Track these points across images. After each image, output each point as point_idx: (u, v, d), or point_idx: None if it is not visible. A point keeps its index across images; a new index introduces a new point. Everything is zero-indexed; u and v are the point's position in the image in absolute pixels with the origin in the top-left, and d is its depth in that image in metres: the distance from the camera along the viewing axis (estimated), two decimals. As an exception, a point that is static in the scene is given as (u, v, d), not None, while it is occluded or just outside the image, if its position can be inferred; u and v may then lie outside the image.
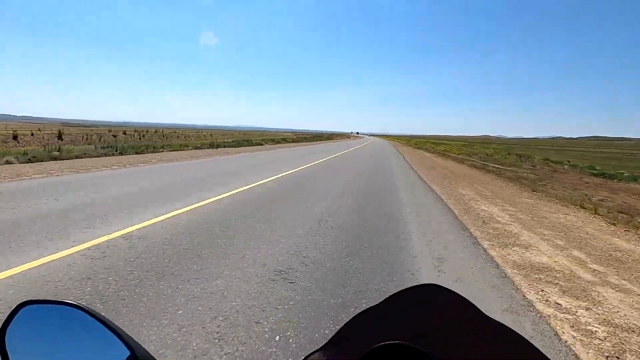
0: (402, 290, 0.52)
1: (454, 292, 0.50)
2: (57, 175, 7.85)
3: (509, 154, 32.41)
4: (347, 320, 0.49)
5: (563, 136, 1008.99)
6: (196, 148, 19.05)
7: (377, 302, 0.51)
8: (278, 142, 35.59)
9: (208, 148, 20.22)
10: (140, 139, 33.82)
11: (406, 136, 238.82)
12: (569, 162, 22.87)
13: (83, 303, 0.46)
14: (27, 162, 9.63)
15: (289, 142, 40.40)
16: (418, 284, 0.53)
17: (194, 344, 1.92)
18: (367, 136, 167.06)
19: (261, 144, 29.71)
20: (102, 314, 0.46)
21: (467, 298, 0.48)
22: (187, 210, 4.93)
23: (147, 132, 58.81)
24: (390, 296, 0.51)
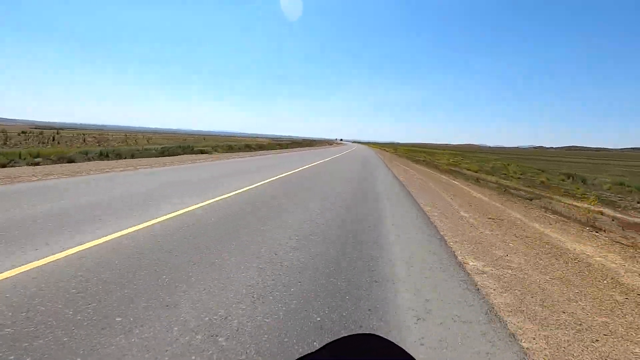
0: (340, 339, 0.51)
1: (393, 343, 0.51)
2: None
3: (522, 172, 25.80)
4: None
5: (543, 146, 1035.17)
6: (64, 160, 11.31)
7: (316, 349, 0.49)
8: (237, 150, 28.00)
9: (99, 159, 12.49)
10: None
11: (389, 144, 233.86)
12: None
13: None
14: None
15: (255, 149, 32.91)
16: (357, 333, 0.52)
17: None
18: (350, 143, 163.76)
19: (205, 152, 22.05)
20: None
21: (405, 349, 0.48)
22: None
23: (57, 133, 49.93)
24: (329, 343, 0.50)
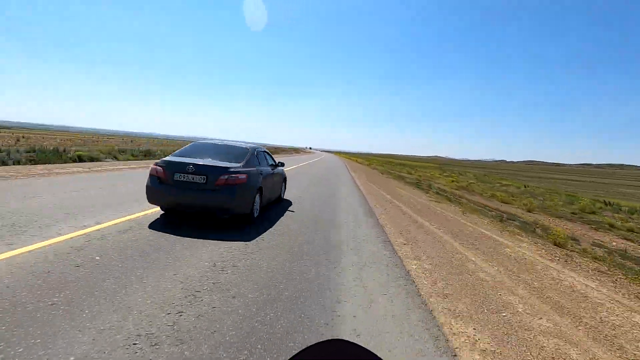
0: (310, 346, 0.52)
1: (361, 346, 0.52)
2: None
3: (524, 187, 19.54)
4: None
5: (505, 159, 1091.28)
6: None
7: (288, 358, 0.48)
8: (157, 156, 19.62)
9: None
10: None
11: (359, 154, 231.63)
12: None
13: None
14: None
15: None
16: (326, 339, 0.54)
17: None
18: (319, 151, 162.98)
19: (97, 159, 13.65)
20: None
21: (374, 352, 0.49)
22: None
23: None
24: (300, 352, 0.51)
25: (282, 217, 6.55)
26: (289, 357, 0.50)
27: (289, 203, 8.38)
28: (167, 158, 5.51)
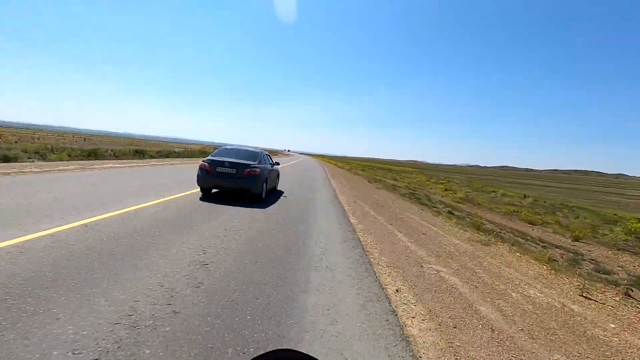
0: (261, 355, 0.53)
1: (308, 355, 0.53)
2: None
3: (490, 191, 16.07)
4: None
5: (479, 164, 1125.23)
6: None
7: None
8: (108, 157, 14.58)
9: None
10: None
11: (334, 157, 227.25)
12: None
13: None
14: None
15: (155, 156, 19.89)
16: (277, 348, 0.55)
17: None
18: (297, 154, 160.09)
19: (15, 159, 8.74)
20: None
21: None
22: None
23: None
24: (254, 358, 0.52)
25: (279, 199, 9.65)
26: None
27: (274, 196, 10.04)
28: (210, 157, 8.33)
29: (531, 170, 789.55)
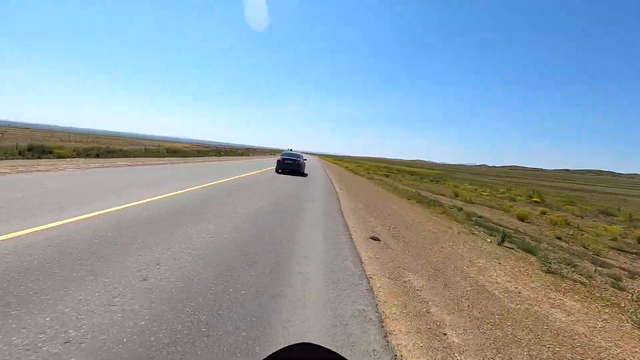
0: (280, 350, 0.53)
1: (328, 349, 0.53)
2: None
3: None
4: None
5: (486, 164, 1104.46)
6: None
7: None
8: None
9: None
10: None
11: (340, 157, 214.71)
12: None
13: None
14: None
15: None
16: (294, 343, 0.54)
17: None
18: (299, 154, 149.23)
19: None
20: None
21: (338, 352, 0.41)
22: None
23: None
24: (271, 355, 0.53)
25: (308, 175, 19.01)
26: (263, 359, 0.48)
27: (307, 173, 20.17)
28: (281, 156, 19.19)
29: (541, 170, 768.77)
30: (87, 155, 15.80)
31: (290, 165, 18.40)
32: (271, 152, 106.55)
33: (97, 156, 16.33)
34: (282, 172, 18.40)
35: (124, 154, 19.01)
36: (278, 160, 18.60)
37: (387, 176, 28.90)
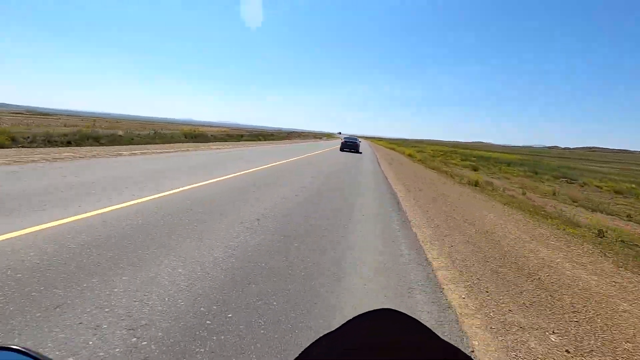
0: (360, 315, 0.54)
1: (409, 316, 0.53)
2: None
3: None
4: (312, 342, 0.49)
5: (557, 145, 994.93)
6: None
7: (338, 326, 0.52)
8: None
9: None
10: None
11: (395, 140, 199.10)
12: None
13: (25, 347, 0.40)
14: None
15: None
16: (375, 309, 0.55)
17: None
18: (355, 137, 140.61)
19: None
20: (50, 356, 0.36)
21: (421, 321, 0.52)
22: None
23: None
24: (349, 320, 0.53)
25: (363, 152, 30.37)
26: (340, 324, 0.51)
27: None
28: (344, 139, 31.60)
29: (627, 151, 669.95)
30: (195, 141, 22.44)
31: (350, 145, 30.20)
32: (315, 135, 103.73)
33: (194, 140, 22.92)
34: (344, 150, 29.89)
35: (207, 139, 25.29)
36: (342, 142, 31.08)
37: (475, 169, 22.32)
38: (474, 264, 4.39)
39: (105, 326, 2.24)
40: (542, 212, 8.64)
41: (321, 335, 0.50)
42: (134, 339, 2.14)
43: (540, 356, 2.57)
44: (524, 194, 12.23)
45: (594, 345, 2.78)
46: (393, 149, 49.96)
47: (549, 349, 2.69)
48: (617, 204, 12.69)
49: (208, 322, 2.44)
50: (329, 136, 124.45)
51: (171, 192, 6.52)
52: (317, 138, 77.91)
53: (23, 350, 0.41)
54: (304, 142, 47.54)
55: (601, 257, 5.20)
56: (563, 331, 2.96)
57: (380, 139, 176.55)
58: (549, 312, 3.28)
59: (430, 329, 0.50)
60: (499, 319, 3.06)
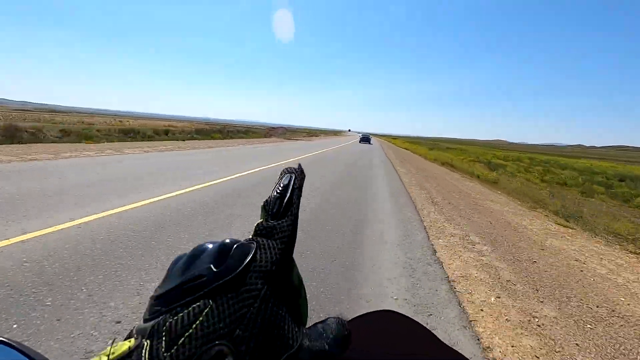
0: (360, 316, 0.53)
1: (410, 318, 0.53)
2: None
3: None
4: None
5: (582, 144, 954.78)
6: None
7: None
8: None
9: None
10: None
11: (410, 138, 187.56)
12: None
13: (7, 337, 0.40)
14: None
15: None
16: (375, 310, 0.55)
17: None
18: (357, 134, 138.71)
19: None
20: (38, 351, 0.39)
21: (422, 323, 0.49)
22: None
23: None
24: (349, 321, 0.44)
25: (374, 143, 45.57)
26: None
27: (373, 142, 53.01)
28: (361, 135, 53.66)
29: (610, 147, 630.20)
30: (231, 137, 26.24)
31: (365, 140, 41.89)
32: (323, 132, 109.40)
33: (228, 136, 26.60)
34: (362, 142, 40.57)
35: (234, 135, 28.61)
36: (360, 137, 46.12)
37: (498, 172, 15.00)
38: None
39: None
40: None
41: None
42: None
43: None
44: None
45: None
46: (402, 146, 46.22)
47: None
48: None
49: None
50: (337, 134, 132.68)
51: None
52: (315, 136, 75.67)
53: (5, 341, 0.39)
54: (308, 141, 45.03)
55: None
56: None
57: (394, 137, 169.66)
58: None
59: (430, 331, 0.50)
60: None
